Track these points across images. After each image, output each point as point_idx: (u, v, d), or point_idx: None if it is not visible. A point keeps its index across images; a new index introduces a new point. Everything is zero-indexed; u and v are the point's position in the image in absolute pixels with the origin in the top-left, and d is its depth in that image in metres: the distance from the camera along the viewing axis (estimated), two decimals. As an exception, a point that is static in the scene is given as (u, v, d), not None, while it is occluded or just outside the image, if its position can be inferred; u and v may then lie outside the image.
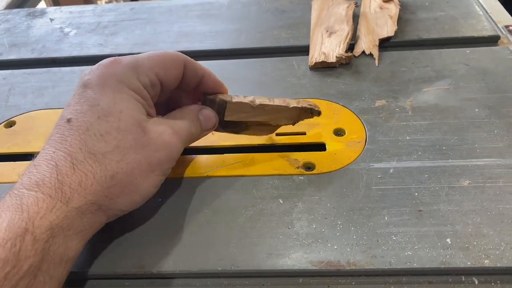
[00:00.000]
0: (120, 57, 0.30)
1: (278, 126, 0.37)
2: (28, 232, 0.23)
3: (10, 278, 0.22)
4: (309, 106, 0.36)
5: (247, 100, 0.34)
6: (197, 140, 0.34)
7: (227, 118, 0.34)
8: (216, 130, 0.36)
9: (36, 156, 0.28)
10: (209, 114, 0.34)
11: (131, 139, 0.28)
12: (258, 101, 0.34)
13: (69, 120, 0.28)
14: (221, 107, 0.34)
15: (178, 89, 0.34)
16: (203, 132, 0.34)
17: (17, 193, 0.25)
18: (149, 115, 0.31)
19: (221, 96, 0.34)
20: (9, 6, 0.73)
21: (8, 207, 0.24)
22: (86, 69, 0.31)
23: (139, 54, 0.31)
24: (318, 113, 0.37)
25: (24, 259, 0.23)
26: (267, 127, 0.37)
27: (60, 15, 0.63)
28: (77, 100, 0.29)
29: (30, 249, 0.23)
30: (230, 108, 0.34)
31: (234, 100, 0.33)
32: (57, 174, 0.26)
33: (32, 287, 0.23)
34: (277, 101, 0.35)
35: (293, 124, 0.38)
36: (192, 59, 0.33)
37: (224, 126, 0.35)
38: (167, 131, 0.30)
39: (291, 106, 0.35)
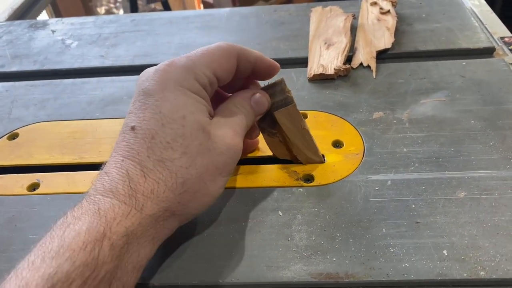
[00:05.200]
0: (174, 59, 0.30)
1: (291, 156, 0.38)
2: (106, 237, 0.24)
3: (89, 284, 0.23)
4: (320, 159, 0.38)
5: (302, 119, 0.35)
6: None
7: (278, 114, 0.34)
8: None
9: (105, 164, 0.28)
10: (261, 99, 0.33)
11: (197, 145, 0.28)
12: (307, 127, 0.36)
13: (133, 128, 0.28)
14: (284, 102, 0.34)
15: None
16: (256, 118, 0.34)
17: (93, 199, 0.26)
18: (210, 114, 0.31)
19: (291, 94, 0.34)
20: (11, 18, 0.73)
21: (86, 211, 0.25)
22: (142, 74, 0.30)
23: (192, 53, 0.31)
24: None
25: (102, 265, 0.23)
26: (284, 150, 0.37)
27: (62, 26, 0.64)
28: (138, 107, 0.29)
29: (107, 254, 0.24)
30: (290, 110, 0.34)
31: (297, 108, 0.34)
32: (129, 182, 0.26)
33: None
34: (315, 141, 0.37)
35: (297, 163, 0.38)
36: (245, 48, 0.32)
37: (263, 118, 0.35)
38: (228, 134, 0.30)
39: (320, 154, 0.38)
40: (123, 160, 0.27)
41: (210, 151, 0.29)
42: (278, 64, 0.34)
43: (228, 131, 0.31)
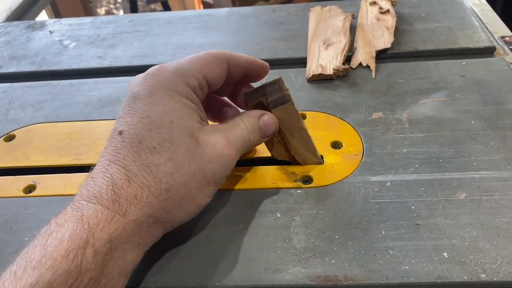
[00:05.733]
0: (164, 64, 0.30)
1: (290, 157, 0.37)
2: (89, 244, 0.24)
3: None
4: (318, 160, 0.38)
5: (300, 118, 0.35)
6: (256, 146, 0.34)
7: (276, 112, 0.34)
8: None
9: (92, 168, 0.28)
10: (269, 120, 0.33)
11: (184, 151, 0.28)
12: (305, 127, 0.35)
13: (121, 133, 0.28)
14: (281, 100, 0.34)
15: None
16: (262, 139, 0.34)
17: (77, 204, 0.26)
18: (201, 119, 0.31)
19: (289, 92, 0.34)
20: (9, 18, 0.73)
21: (70, 218, 0.25)
22: (132, 79, 0.31)
23: (182, 59, 0.31)
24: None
25: (85, 272, 0.23)
26: (282, 150, 0.37)
27: (60, 27, 0.64)
28: (127, 112, 0.29)
29: (91, 261, 0.23)
30: (287, 108, 0.34)
31: (295, 106, 0.34)
32: (113, 186, 0.26)
33: None
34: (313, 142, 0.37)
35: (296, 164, 0.38)
36: (235, 54, 0.33)
37: None
38: (220, 142, 0.30)
39: (318, 154, 0.37)
40: (109, 165, 0.27)
41: (198, 158, 0.29)
42: (267, 64, 0.35)
43: (221, 139, 0.30)
